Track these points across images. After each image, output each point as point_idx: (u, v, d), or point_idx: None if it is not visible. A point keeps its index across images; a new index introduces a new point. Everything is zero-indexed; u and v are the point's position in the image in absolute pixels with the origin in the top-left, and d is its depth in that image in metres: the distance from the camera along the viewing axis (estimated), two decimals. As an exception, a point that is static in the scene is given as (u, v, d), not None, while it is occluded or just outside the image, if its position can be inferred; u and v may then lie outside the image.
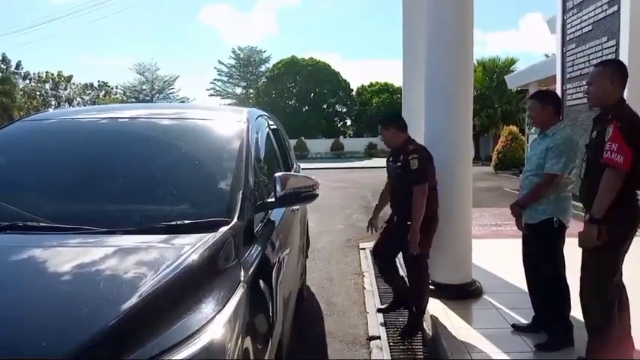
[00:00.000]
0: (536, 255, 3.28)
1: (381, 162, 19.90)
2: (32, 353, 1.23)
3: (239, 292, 1.63)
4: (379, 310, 4.22)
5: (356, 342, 3.77)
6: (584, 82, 3.22)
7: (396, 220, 3.91)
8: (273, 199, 2.31)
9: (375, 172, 19.57)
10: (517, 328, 3.51)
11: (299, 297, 4.08)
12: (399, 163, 3.73)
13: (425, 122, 4.37)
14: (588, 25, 8.81)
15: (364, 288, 5.02)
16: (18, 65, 43.89)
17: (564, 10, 9.76)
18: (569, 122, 8.53)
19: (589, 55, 8.74)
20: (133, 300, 1.41)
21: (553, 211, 3.15)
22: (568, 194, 3.21)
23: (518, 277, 4.64)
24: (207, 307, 1.50)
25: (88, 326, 1.30)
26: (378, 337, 3.78)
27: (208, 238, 1.78)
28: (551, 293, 3.24)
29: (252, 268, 1.86)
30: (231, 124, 2.74)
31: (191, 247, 1.70)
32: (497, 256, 5.64)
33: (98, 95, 50.22)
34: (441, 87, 4.18)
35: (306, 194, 2.38)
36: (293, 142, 33.72)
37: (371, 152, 34.34)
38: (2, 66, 40.22)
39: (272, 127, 3.69)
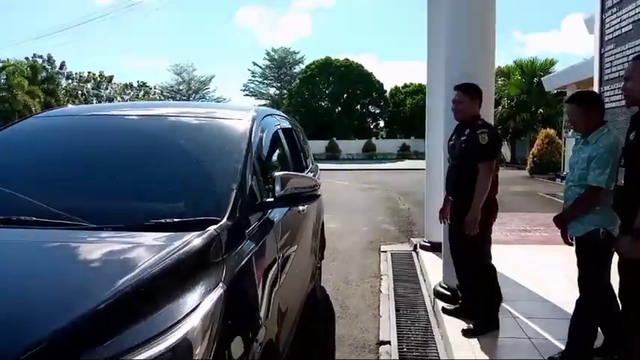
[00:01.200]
0: (583, 269, 3.00)
1: (414, 164, 19.70)
2: None
3: (216, 293, 1.60)
4: (444, 311, 3.85)
5: (365, 347, 3.70)
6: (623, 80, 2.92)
7: (454, 205, 3.63)
8: (271, 199, 2.29)
9: (406, 174, 19.39)
10: None
11: (310, 299, 4.03)
12: (463, 138, 3.47)
13: (444, 124, 4.25)
14: (628, 24, 8.43)
15: (380, 291, 4.93)
16: (62, 65, 45.68)
17: (603, 10, 9.38)
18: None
19: (628, 55, 8.35)
20: (102, 297, 1.39)
21: (599, 221, 2.85)
22: None
23: (541, 286, 4.50)
24: (180, 308, 1.47)
25: (47, 321, 1.30)
26: (388, 343, 3.70)
27: (193, 237, 1.76)
28: (601, 313, 2.94)
29: (238, 269, 1.83)
30: (234, 122, 2.72)
31: (173, 246, 1.69)
32: (523, 262, 5.47)
33: (137, 95, 51.69)
34: None
35: (306, 195, 2.35)
36: (324, 143, 34.11)
37: (404, 154, 34.04)
38: (47, 66, 41.81)
39: (283, 126, 3.64)
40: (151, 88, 52.29)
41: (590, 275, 2.96)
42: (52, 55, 44.26)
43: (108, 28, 79.91)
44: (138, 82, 52.87)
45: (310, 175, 4.19)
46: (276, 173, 2.30)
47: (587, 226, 2.90)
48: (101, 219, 1.91)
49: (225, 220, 1.94)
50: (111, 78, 50.13)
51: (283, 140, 3.44)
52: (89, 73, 48.63)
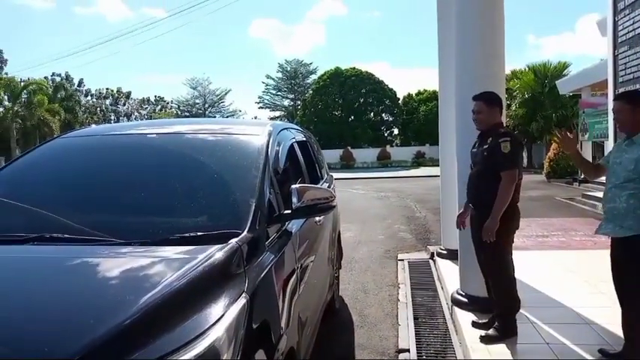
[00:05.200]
0: (622, 272, 2.96)
1: (429, 171, 19.69)
2: (44, 352, 1.35)
3: (240, 303, 1.68)
4: (474, 325, 3.77)
5: (384, 354, 3.74)
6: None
7: (472, 210, 3.63)
8: (289, 211, 2.38)
9: (421, 181, 19.39)
10: (604, 354, 3.14)
11: (329, 308, 4.09)
12: (485, 146, 3.44)
13: (456, 131, 4.30)
14: (641, 26, 8.41)
15: (398, 300, 4.96)
16: (80, 83, 46.75)
17: (615, 12, 9.37)
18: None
19: (643, 57, 8.33)
20: (133, 309, 1.49)
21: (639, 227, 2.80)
22: None
23: (559, 291, 4.50)
24: (206, 318, 1.56)
25: (83, 333, 1.40)
26: (407, 350, 3.73)
27: (216, 250, 1.85)
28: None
29: (259, 280, 1.92)
30: (251, 138, 2.82)
31: (198, 259, 1.78)
32: (541, 268, 5.46)
33: (154, 110, 52.52)
34: (470, 101, 3.87)
35: (322, 206, 2.44)
36: (339, 152, 34.22)
37: (419, 161, 33.96)
38: (66, 84, 42.75)
39: (298, 139, 3.75)
40: (167, 103, 53.14)
41: (631, 276, 2.91)
42: (70, 74, 45.37)
43: (127, 45, 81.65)
44: (155, 97, 53.83)
45: (325, 185, 4.27)
46: (293, 186, 2.39)
47: (627, 231, 2.86)
48: (129, 235, 2.02)
49: (245, 232, 2.02)
50: (129, 94, 51.18)
51: (298, 153, 3.53)
52: (107, 89, 49.68)
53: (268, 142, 2.73)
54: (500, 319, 3.53)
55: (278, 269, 2.17)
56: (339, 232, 4.97)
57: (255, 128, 3.02)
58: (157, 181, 2.50)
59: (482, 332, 3.55)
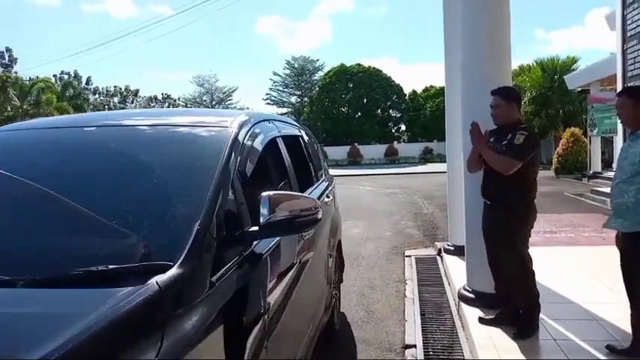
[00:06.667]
0: (632, 267, 2.96)
1: (436, 167, 19.72)
2: None
3: None
4: (481, 320, 3.75)
5: (391, 350, 3.75)
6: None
7: (486, 205, 3.63)
8: (256, 228, 1.82)
9: (429, 177, 19.33)
10: (612, 350, 3.12)
11: (327, 331, 3.56)
12: (504, 142, 3.42)
13: (462, 127, 4.29)
14: (650, 19, 8.33)
15: (405, 296, 4.97)
16: (88, 81, 47.04)
17: (624, 5, 9.27)
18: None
19: (652, 51, 8.25)
20: None
21: None
22: None
23: (567, 287, 4.48)
24: None
25: None
26: (414, 346, 3.74)
27: (125, 295, 1.29)
28: None
29: (190, 337, 1.37)
30: (215, 131, 2.24)
31: (93, 313, 1.22)
32: (548, 264, 5.42)
33: (162, 107, 52.65)
34: (476, 96, 3.98)
35: (303, 219, 1.88)
36: (346, 149, 34.17)
37: (426, 157, 33.85)
38: (75, 82, 42.97)
39: (285, 134, 3.10)
40: (175, 100, 53.24)
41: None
42: (79, 72, 45.69)
43: (134, 43, 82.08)
44: (162, 94, 53.97)
45: (321, 188, 3.75)
46: (264, 193, 1.83)
47: (637, 226, 2.85)
48: (10, 269, 1.44)
49: (176, 266, 1.45)
50: (136, 92, 51.35)
51: (283, 150, 2.90)
52: (115, 87, 49.92)
53: (237, 135, 2.13)
54: (525, 314, 3.53)
55: (229, 313, 1.57)
56: (340, 240, 4.28)
57: (222, 119, 2.38)
58: (67, 192, 1.83)
59: (492, 327, 3.56)
